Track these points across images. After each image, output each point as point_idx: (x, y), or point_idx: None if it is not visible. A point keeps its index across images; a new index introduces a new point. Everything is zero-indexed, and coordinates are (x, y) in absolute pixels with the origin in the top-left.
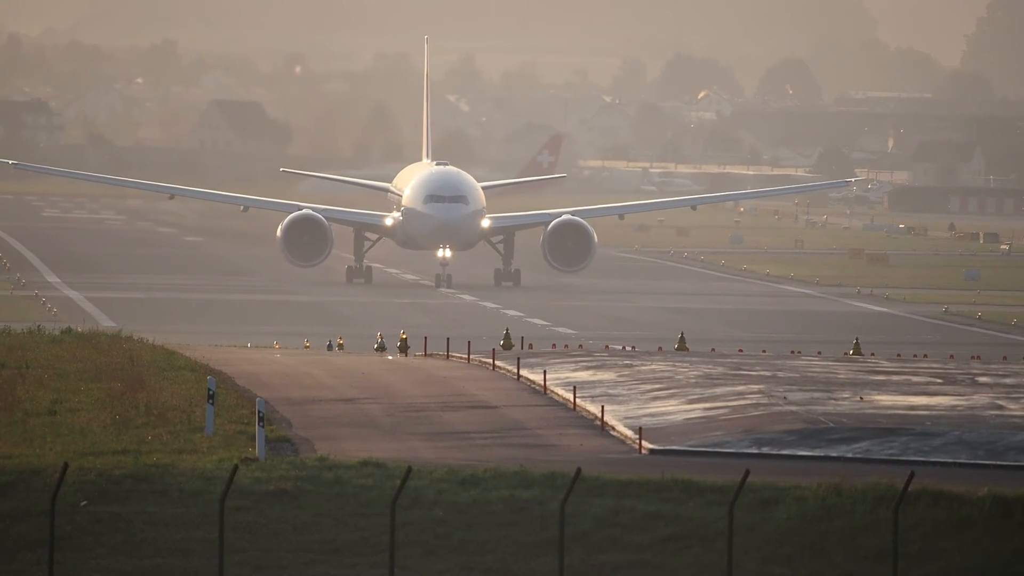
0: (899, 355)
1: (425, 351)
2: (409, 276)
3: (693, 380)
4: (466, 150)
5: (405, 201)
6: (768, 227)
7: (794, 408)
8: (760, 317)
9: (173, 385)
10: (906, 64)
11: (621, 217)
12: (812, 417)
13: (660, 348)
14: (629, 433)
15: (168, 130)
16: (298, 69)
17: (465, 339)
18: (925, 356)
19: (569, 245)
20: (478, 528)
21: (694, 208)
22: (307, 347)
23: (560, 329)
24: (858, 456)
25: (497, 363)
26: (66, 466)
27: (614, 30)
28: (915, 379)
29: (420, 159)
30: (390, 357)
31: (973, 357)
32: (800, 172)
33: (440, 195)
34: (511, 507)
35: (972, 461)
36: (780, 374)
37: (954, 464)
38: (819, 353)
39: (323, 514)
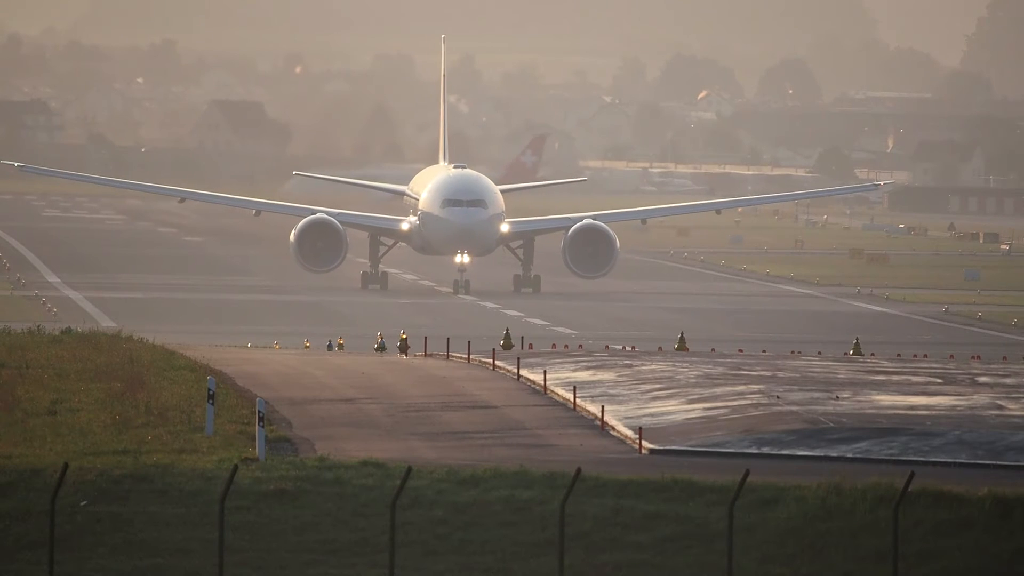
0: (899, 355)
1: (425, 351)
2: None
3: (693, 380)
4: (466, 151)
5: (422, 205)
6: (768, 227)
7: (794, 408)
8: (760, 317)
9: (173, 385)
10: (906, 64)
11: (643, 222)
12: (812, 417)
13: (660, 348)
14: (629, 433)
15: (168, 130)
16: (298, 69)
17: (465, 339)
18: (925, 356)
19: (590, 250)
20: (478, 528)
21: (718, 212)
22: (307, 347)
23: (560, 329)
24: (858, 456)
25: (497, 363)
26: (66, 466)
27: (614, 30)
28: (915, 379)
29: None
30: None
31: (973, 357)
32: (800, 172)
33: (458, 199)
34: (511, 507)
35: (972, 461)
36: (780, 374)
37: (954, 464)
38: (819, 353)
39: (323, 514)
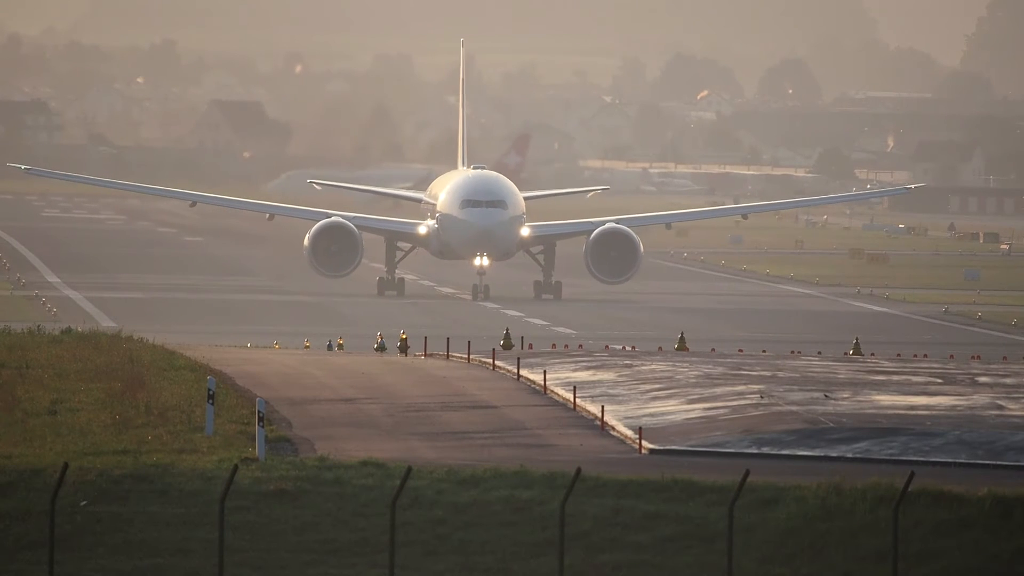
0: (899, 355)
1: (425, 351)
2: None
3: (693, 380)
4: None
5: (440, 207)
6: (768, 227)
7: (794, 408)
8: (760, 317)
9: (173, 385)
10: (906, 64)
11: (668, 226)
12: (812, 417)
13: (660, 348)
14: (629, 433)
15: (168, 130)
16: (298, 69)
17: (465, 339)
18: (925, 356)
19: (613, 254)
20: (478, 528)
21: (745, 217)
22: (307, 347)
23: (560, 329)
24: (858, 456)
25: (497, 363)
26: (66, 466)
27: (614, 30)
28: (915, 379)
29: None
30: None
31: (973, 357)
32: (800, 172)
33: (477, 200)
34: (511, 507)
35: (972, 461)
36: (780, 374)
37: (954, 464)
38: (819, 353)
39: (323, 514)
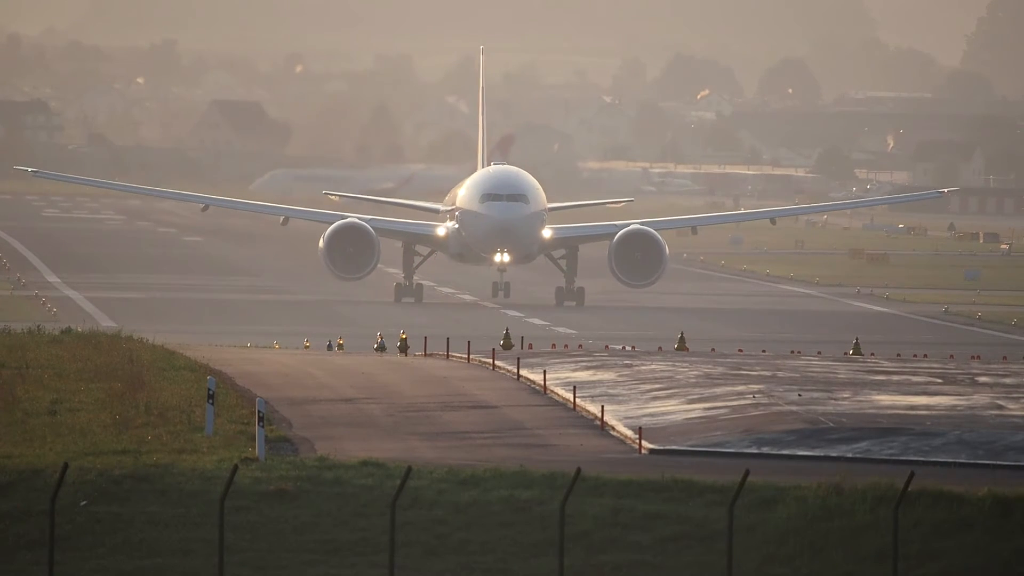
0: (899, 355)
1: (425, 351)
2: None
3: (693, 380)
4: (466, 151)
5: (459, 202)
6: (768, 227)
7: (794, 408)
8: (760, 317)
9: (173, 385)
10: (906, 64)
11: (694, 231)
12: (812, 417)
13: (660, 348)
14: (629, 433)
15: (168, 130)
16: (298, 69)
17: (465, 339)
18: (925, 356)
19: (637, 257)
20: (478, 528)
21: (773, 222)
22: (307, 347)
23: (560, 329)
24: (858, 456)
25: (497, 363)
26: (66, 466)
27: (614, 30)
28: (915, 379)
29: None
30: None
31: (973, 357)
32: (800, 172)
33: (497, 193)
34: (511, 507)
35: (972, 461)
36: (780, 374)
37: (954, 464)
38: (819, 353)
39: (323, 514)
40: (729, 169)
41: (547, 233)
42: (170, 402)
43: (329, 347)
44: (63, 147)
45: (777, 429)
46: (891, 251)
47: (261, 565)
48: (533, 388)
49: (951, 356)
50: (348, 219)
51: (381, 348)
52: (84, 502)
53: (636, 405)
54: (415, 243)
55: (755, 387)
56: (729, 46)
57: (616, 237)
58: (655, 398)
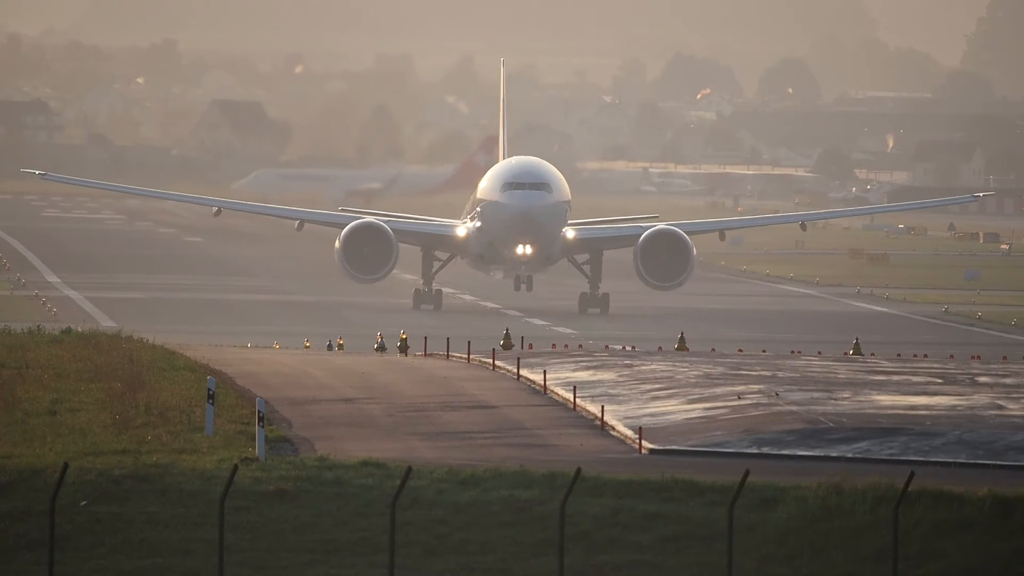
0: (899, 355)
1: (425, 351)
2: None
3: (693, 380)
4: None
5: (481, 194)
6: (768, 227)
7: (794, 408)
8: (760, 317)
9: (173, 385)
10: (906, 64)
11: (722, 237)
12: (812, 417)
13: (660, 348)
14: (629, 433)
15: (168, 130)
16: (298, 69)
17: (465, 339)
18: (925, 356)
19: (663, 258)
20: (478, 528)
21: (804, 227)
22: (307, 347)
23: (560, 329)
24: (858, 456)
25: (497, 363)
26: (66, 466)
27: (614, 30)
28: (915, 379)
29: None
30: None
31: (973, 357)
32: (800, 172)
33: (520, 182)
34: (511, 507)
35: (972, 461)
36: (780, 374)
37: (954, 464)
38: (819, 353)
39: (323, 514)
40: (729, 169)
41: (570, 234)
42: (170, 402)
43: (329, 347)
44: (63, 147)
45: (777, 429)
46: (891, 251)
47: (261, 565)
48: (533, 388)
49: (951, 356)
50: (365, 218)
51: (381, 348)
52: (84, 502)
53: (636, 405)
54: (434, 247)
55: (749, 387)
56: (729, 46)
57: (642, 237)
58: (655, 398)
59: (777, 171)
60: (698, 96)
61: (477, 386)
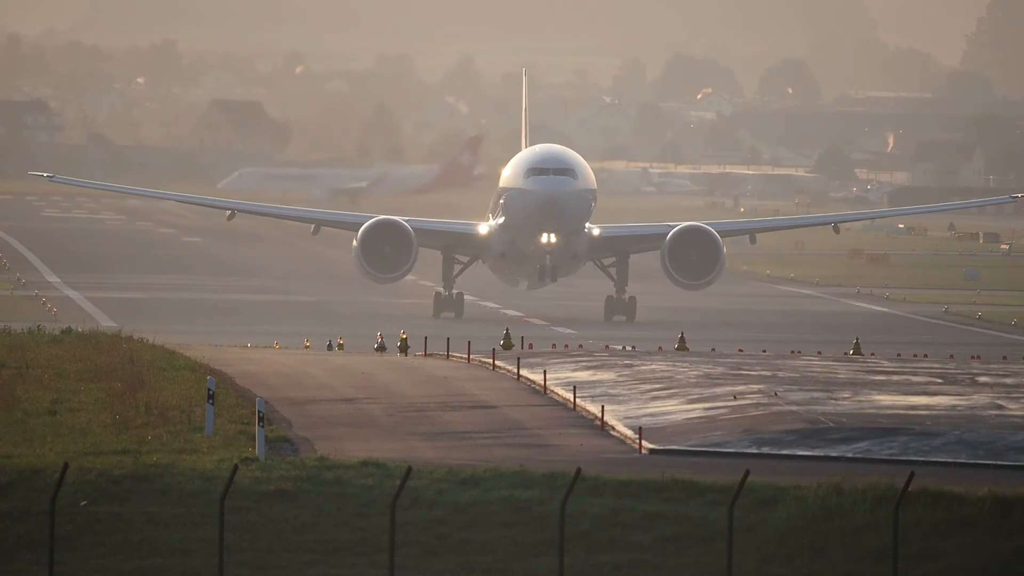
0: (899, 355)
1: (425, 351)
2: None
3: (693, 380)
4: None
5: (504, 182)
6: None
7: (794, 408)
8: (760, 317)
9: (173, 385)
10: (906, 64)
11: (753, 240)
12: (812, 417)
13: (660, 348)
14: (629, 433)
15: (168, 130)
16: (298, 69)
17: (465, 339)
18: (925, 356)
19: (692, 256)
20: (478, 528)
21: (836, 231)
22: (307, 347)
23: (560, 329)
24: (858, 456)
25: (497, 363)
26: (66, 466)
27: (614, 30)
28: (915, 379)
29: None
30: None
31: (973, 357)
32: (800, 172)
33: (544, 167)
34: (511, 507)
35: (972, 461)
36: (780, 374)
37: (954, 464)
38: (819, 353)
39: (323, 514)
40: (729, 169)
41: (595, 231)
42: (170, 402)
43: (329, 347)
44: (63, 147)
45: (777, 429)
46: (891, 251)
47: (261, 565)
48: (533, 388)
49: (951, 356)
50: (383, 216)
51: (381, 348)
52: (84, 502)
53: (636, 405)
54: (455, 248)
55: (748, 386)
56: (729, 46)
57: (670, 234)
58: (655, 398)
59: (777, 171)
60: (698, 96)
61: (477, 386)
